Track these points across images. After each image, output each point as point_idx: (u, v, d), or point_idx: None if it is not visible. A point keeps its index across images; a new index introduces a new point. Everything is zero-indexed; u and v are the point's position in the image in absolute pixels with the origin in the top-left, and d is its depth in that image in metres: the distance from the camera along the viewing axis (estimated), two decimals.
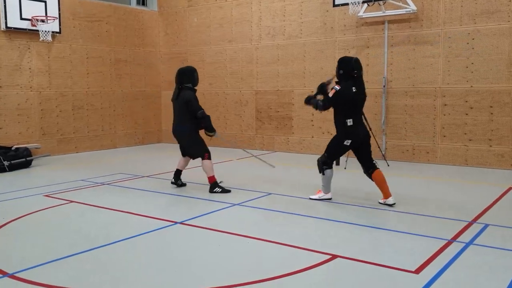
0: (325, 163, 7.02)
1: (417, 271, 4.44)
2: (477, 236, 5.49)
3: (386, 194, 6.84)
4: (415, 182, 8.70)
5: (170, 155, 12.47)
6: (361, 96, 6.89)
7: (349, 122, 6.75)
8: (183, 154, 8.27)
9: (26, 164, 10.39)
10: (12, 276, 4.38)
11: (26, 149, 10.60)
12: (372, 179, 6.90)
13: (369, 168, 6.90)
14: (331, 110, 7.00)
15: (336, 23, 11.56)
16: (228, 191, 7.77)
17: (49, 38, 11.59)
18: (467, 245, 5.17)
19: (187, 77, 7.85)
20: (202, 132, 7.97)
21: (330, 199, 7.17)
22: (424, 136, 10.54)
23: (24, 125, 11.66)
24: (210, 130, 7.93)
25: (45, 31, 11.49)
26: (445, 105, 10.24)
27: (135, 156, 12.19)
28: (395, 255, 4.90)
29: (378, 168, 6.90)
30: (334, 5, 10.73)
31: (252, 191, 7.83)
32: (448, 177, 9.17)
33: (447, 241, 5.29)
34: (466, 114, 10.02)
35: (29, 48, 11.70)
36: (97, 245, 5.23)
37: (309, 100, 7.06)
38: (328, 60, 11.69)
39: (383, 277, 4.36)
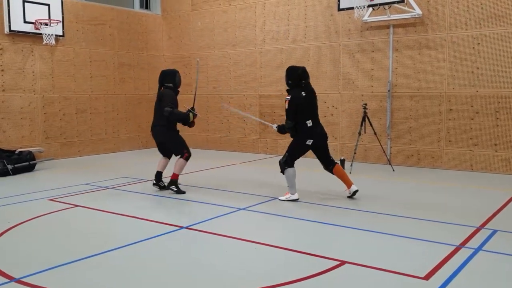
0: (286, 162, 7.35)
1: (427, 277, 4.40)
2: (486, 241, 5.45)
3: (349, 183, 7.51)
4: (421, 187, 8.66)
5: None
6: (312, 99, 7.45)
7: (309, 123, 7.30)
8: (163, 154, 8.52)
9: (30, 168, 10.36)
10: (18, 281, 4.34)
11: (30, 152, 10.57)
12: (333, 174, 7.55)
13: (330, 165, 7.56)
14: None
15: (341, 27, 11.54)
16: (183, 192, 8.02)
17: (53, 42, 11.57)
18: (476, 251, 5.13)
19: (168, 78, 8.42)
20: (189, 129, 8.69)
21: (297, 199, 7.40)
22: (429, 141, 10.50)
23: (27, 129, 11.63)
24: (185, 120, 8.33)
25: (49, 35, 11.48)
26: (451, 110, 10.20)
27: (139, 160, 12.16)
28: (404, 261, 4.86)
29: (337, 163, 7.61)
30: (339, 9, 10.70)
31: (257, 196, 7.79)
32: (453, 182, 9.12)
33: (455, 246, 5.25)
34: (472, 119, 9.98)
35: (32, 52, 11.68)
36: (103, 250, 5.20)
37: (283, 130, 7.57)
38: (332, 65, 11.66)
39: (393, 283, 4.32)
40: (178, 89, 8.45)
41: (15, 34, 11.25)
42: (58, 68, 12.23)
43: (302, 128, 7.33)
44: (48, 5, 11.58)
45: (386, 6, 10.17)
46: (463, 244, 5.35)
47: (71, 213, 6.85)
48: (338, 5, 10.66)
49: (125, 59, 13.78)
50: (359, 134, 10.19)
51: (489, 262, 4.83)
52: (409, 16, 10.37)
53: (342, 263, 4.77)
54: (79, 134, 12.73)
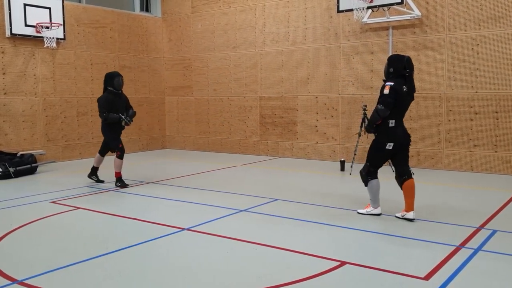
0: (369, 173, 6.48)
1: (427, 277, 4.43)
2: (486, 242, 5.47)
3: (409, 207, 6.39)
4: (420, 188, 8.64)
5: (175, 161, 12.48)
6: (410, 97, 6.38)
7: (391, 123, 6.27)
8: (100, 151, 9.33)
9: (31, 171, 10.39)
10: (21, 283, 4.37)
11: (31, 155, 10.61)
12: (401, 188, 6.44)
13: (403, 175, 6.39)
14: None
15: (340, 29, 11.58)
16: (126, 185, 8.83)
17: (54, 45, 11.61)
18: (476, 251, 5.15)
19: (107, 81, 8.87)
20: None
21: (379, 214, 6.60)
22: (429, 141, 10.53)
23: (29, 132, 11.67)
24: (118, 122, 8.85)
25: (50, 38, 11.52)
26: (450, 110, 10.23)
27: (140, 162, 12.19)
28: (404, 262, 4.89)
29: (412, 178, 6.40)
30: (338, 11, 10.74)
31: (257, 197, 7.81)
32: (453, 182, 9.15)
33: (455, 247, 5.27)
34: (471, 120, 10.01)
35: (33, 55, 11.73)
36: (105, 251, 5.23)
37: (370, 126, 6.49)
38: (332, 66, 11.70)
39: (393, 284, 4.34)
40: (119, 91, 8.96)
41: (16, 38, 11.30)
42: (59, 71, 12.27)
43: (382, 128, 6.33)
44: (49, 8, 11.63)
45: (385, 8, 10.21)
46: (463, 244, 5.38)
47: (73, 216, 6.89)
48: (338, 7, 10.70)
49: (125, 61, 13.83)
50: (359, 135, 10.22)
51: (488, 263, 4.85)
52: (408, 18, 10.41)
53: (343, 263, 4.79)
54: (80, 137, 12.77)
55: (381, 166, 6.51)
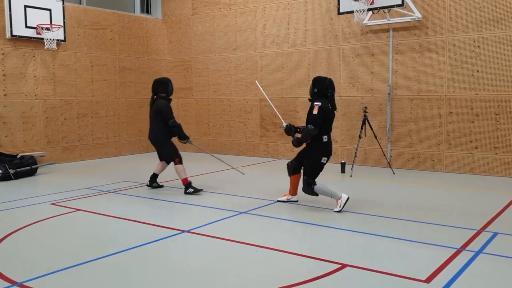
0: (310, 184, 7.01)
1: (428, 280, 4.42)
2: (487, 244, 5.46)
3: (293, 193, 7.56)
4: (421, 190, 8.67)
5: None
6: (333, 114, 7.07)
7: (325, 138, 6.94)
8: (160, 159, 8.78)
9: (31, 172, 10.38)
10: (21, 285, 4.36)
11: (31, 157, 10.59)
12: (290, 175, 7.45)
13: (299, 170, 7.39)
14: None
15: (341, 31, 11.58)
16: (200, 189, 8.32)
17: (54, 46, 11.61)
18: (477, 253, 5.14)
19: (161, 87, 8.52)
20: (176, 139, 8.65)
21: (348, 198, 7.01)
22: (430, 144, 10.52)
23: (29, 133, 11.66)
24: (183, 137, 8.57)
25: (50, 39, 11.52)
26: (451, 112, 10.23)
27: (140, 164, 12.18)
28: (405, 264, 4.87)
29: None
30: (339, 13, 10.75)
31: (258, 199, 7.80)
32: (454, 185, 9.14)
33: (456, 249, 5.26)
34: (472, 122, 10.00)
35: (34, 56, 11.72)
36: (105, 254, 5.21)
37: (290, 132, 7.31)
38: (333, 68, 11.70)
39: (394, 286, 4.33)
40: (170, 97, 8.63)
41: (16, 39, 11.29)
42: (59, 73, 12.27)
43: (317, 143, 6.96)
44: (50, 10, 11.63)
45: (386, 10, 10.22)
46: (464, 247, 5.37)
47: (73, 217, 6.87)
48: (338, 9, 10.71)
49: (126, 63, 13.82)
50: (360, 137, 10.22)
51: (490, 265, 4.84)
52: (409, 20, 10.40)
53: (343, 266, 4.78)
54: (80, 138, 12.76)
55: (317, 176, 7.07)
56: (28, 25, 11.29)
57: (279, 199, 7.69)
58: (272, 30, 12.73)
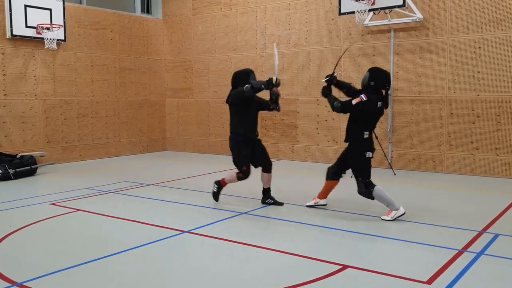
0: (368, 185, 6.50)
1: (429, 281, 4.40)
2: (488, 246, 5.44)
3: (322, 196, 7.24)
4: (422, 191, 8.65)
5: (175, 163, 12.45)
6: (382, 112, 6.57)
7: (366, 134, 6.49)
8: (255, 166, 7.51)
9: (31, 172, 10.36)
10: (20, 285, 4.34)
11: (31, 157, 10.57)
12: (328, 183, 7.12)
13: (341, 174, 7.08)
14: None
15: (342, 31, 11.56)
16: (216, 198, 7.57)
17: (54, 46, 11.59)
18: (478, 255, 5.12)
19: (239, 80, 7.25)
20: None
21: (404, 213, 6.46)
22: (431, 145, 10.50)
23: (28, 133, 11.64)
24: (265, 86, 7.03)
25: (50, 39, 11.50)
26: (452, 114, 10.21)
27: (140, 164, 12.16)
28: (406, 265, 4.85)
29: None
30: (340, 14, 10.73)
31: (258, 200, 7.77)
32: (455, 186, 9.12)
33: (457, 251, 5.24)
34: (473, 123, 9.98)
35: (34, 56, 11.71)
36: (106, 254, 5.19)
37: (327, 95, 6.78)
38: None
39: None
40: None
41: (17, 39, 11.28)
42: (59, 73, 12.25)
43: (357, 139, 6.53)
44: (50, 9, 11.61)
45: (387, 10, 10.20)
46: (465, 248, 5.35)
47: (73, 218, 6.85)
48: (339, 9, 10.69)
49: (126, 63, 13.81)
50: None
51: (491, 266, 4.82)
52: (410, 20, 10.38)
53: (344, 267, 4.76)
54: (80, 139, 12.74)
55: (370, 174, 6.58)
56: (28, 24, 11.26)
57: (307, 204, 7.23)
58: (272, 30, 12.71)
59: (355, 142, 6.56)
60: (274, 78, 7.05)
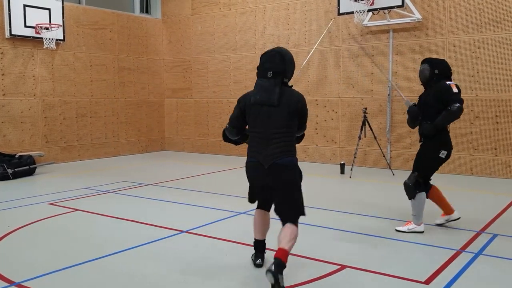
0: (417, 185, 5.91)
1: (427, 281, 4.40)
2: (486, 246, 5.45)
3: (448, 211, 6.20)
4: None
5: (174, 163, 12.45)
6: None
7: (448, 127, 5.93)
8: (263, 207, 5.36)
9: (30, 172, 10.35)
10: (18, 285, 4.34)
11: (30, 157, 10.56)
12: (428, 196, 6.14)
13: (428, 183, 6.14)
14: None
15: (341, 31, 11.56)
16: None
17: (53, 46, 11.58)
18: (476, 255, 5.13)
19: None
20: None
21: (422, 232, 5.92)
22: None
23: (27, 133, 11.63)
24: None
25: (49, 39, 11.49)
26: None
27: (139, 164, 12.16)
28: (404, 266, 4.86)
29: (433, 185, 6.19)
30: (339, 14, 10.74)
31: None
32: (453, 186, 9.12)
33: (456, 251, 5.25)
34: (472, 123, 9.98)
35: (33, 56, 11.70)
36: (103, 254, 5.19)
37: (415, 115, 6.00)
38: (332, 69, 11.68)
39: None
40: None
41: (15, 38, 11.27)
42: (58, 72, 12.24)
43: (439, 134, 5.91)
44: (49, 9, 11.61)
45: (386, 11, 10.21)
46: (463, 248, 5.35)
47: (71, 217, 6.85)
48: (338, 9, 10.71)
49: (125, 63, 13.80)
50: (359, 138, 10.20)
51: (489, 267, 4.82)
52: (409, 21, 10.39)
53: (343, 267, 4.77)
54: (79, 138, 12.74)
55: (431, 176, 6.03)
56: (27, 24, 11.26)
57: (437, 222, 6.27)
58: (272, 30, 12.71)
59: (434, 137, 5.93)
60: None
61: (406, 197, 6.11)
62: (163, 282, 4.46)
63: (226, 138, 4.87)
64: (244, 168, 4.66)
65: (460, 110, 5.73)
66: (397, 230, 6.03)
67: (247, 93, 4.59)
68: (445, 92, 5.76)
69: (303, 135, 4.95)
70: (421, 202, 5.92)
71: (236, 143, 4.92)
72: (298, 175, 4.62)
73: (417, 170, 5.95)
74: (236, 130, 4.67)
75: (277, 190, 4.45)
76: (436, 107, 5.84)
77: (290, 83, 4.58)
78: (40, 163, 11.09)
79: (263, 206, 4.95)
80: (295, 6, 12.27)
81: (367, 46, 11.18)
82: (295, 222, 4.43)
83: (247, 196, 4.85)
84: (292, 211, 4.47)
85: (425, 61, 6.07)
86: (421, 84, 6.17)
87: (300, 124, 4.58)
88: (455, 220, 6.19)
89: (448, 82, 5.83)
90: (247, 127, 4.61)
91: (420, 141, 6.10)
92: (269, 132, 4.34)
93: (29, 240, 5.82)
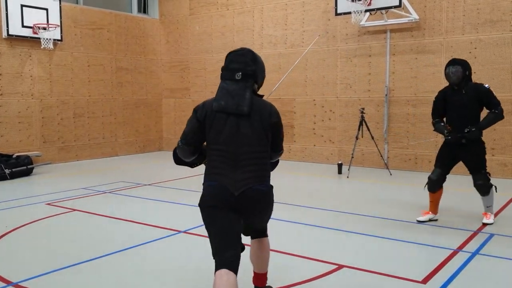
0: (489, 179, 6.42)
1: (424, 281, 4.41)
2: (483, 245, 5.46)
3: (435, 211, 6.61)
4: (418, 191, 8.64)
5: (171, 163, 12.43)
6: None
7: None
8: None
9: (27, 172, 10.35)
10: (16, 285, 4.34)
11: (27, 157, 10.56)
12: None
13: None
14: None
15: (338, 32, 11.58)
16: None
17: (51, 46, 11.58)
18: (473, 254, 5.15)
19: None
20: None
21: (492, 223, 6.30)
22: (426, 145, 10.51)
23: (25, 133, 11.62)
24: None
25: (47, 39, 11.49)
26: None
27: (136, 164, 12.15)
28: (402, 265, 4.87)
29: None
30: (336, 14, 10.75)
31: None
32: (451, 186, 9.12)
33: (453, 250, 5.26)
34: None
35: (30, 56, 11.69)
36: (101, 254, 5.19)
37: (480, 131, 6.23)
38: (330, 69, 11.70)
39: (390, 287, 4.32)
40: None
41: (13, 39, 11.26)
42: (56, 73, 12.23)
43: (480, 133, 6.24)
44: (47, 9, 11.60)
45: (383, 11, 10.23)
46: (460, 248, 5.37)
47: (69, 218, 6.85)
48: (336, 9, 10.72)
49: (123, 63, 13.80)
50: (357, 138, 10.22)
51: (486, 266, 4.84)
52: (406, 21, 10.41)
53: (340, 267, 4.77)
54: (76, 139, 12.73)
55: None
56: (24, 24, 11.25)
57: (419, 219, 6.55)
58: (269, 30, 12.72)
59: (479, 136, 6.23)
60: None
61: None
62: (160, 282, 4.46)
63: (178, 160, 3.83)
64: (198, 202, 3.78)
65: (502, 112, 6.19)
66: (484, 223, 6.32)
67: (206, 101, 3.56)
68: (486, 95, 6.16)
69: (277, 162, 4.00)
70: (492, 194, 6.46)
71: (192, 165, 3.83)
72: (273, 200, 3.80)
73: (483, 168, 6.37)
74: (192, 149, 3.58)
75: (248, 216, 3.65)
76: (476, 110, 6.24)
77: (260, 93, 3.75)
78: (37, 163, 11.08)
79: (234, 249, 3.70)
80: (293, 6, 12.28)
81: (364, 46, 11.19)
82: (266, 233, 3.98)
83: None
84: (265, 224, 3.94)
85: (455, 62, 6.24)
86: (450, 85, 6.37)
87: (274, 145, 3.63)
88: (434, 220, 6.55)
89: (486, 85, 6.24)
90: (205, 143, 3.59)
91: (449, 138, 6.36)
92: (239, 151, 3.40)
93: (26, 240, 5.82)
